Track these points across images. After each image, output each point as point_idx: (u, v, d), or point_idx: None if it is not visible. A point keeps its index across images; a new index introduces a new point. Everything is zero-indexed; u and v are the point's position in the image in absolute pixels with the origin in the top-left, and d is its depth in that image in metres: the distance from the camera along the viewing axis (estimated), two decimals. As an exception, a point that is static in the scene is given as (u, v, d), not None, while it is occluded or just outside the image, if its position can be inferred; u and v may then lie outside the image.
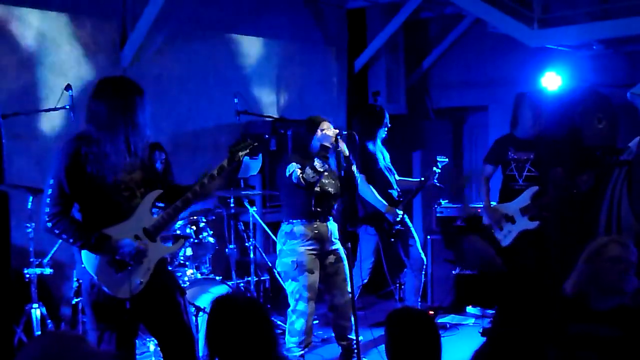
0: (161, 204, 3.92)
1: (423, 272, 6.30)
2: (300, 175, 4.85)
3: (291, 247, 5.07)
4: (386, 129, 6.16)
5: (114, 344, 3.69)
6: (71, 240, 3.63)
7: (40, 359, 2.12)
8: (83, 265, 3.67)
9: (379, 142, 6.15)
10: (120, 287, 3.68)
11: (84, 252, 3.67)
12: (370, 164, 6.03)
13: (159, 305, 3.80)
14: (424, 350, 2.81)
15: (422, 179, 6.15)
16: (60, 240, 5.43)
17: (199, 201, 4.00)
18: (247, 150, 3.93)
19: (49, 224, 3.60)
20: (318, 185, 5.02)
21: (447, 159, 6.11)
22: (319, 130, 5.05)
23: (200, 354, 5.04)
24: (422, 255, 6.26)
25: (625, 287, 3.46)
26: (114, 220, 3.68)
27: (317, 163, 4.80)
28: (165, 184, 3.96)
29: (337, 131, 4.93)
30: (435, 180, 6.09)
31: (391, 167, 6.25)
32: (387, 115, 6.18)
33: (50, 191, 3.61)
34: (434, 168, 6.00)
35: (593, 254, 3.55)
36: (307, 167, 4.81)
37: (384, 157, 6.19)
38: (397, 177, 6.26)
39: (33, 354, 2.14)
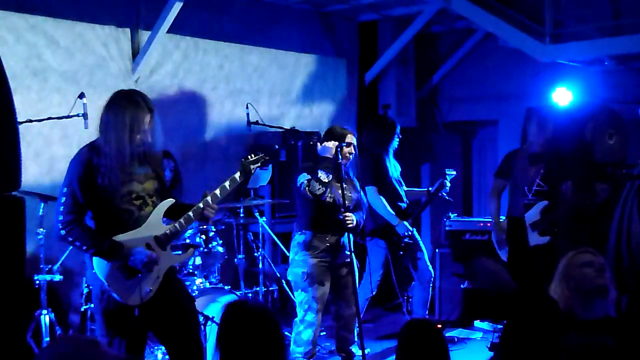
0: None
1: (430, 285, 6.29)
2: (307, 187, 4.88)
3: (302, 258, 5.08)
4: (398, 139, 6.16)
5: (124, 350, 3.71)
6: (84, 247, 3.68)
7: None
8: (94, 272, 3.71)
9: (391, 153, 6.14)
10: (130, 294, 3.72)
11: (95, 259, 3.71)
12: (382, 176, 6.02)
13: (167, 313, 3.83)
14: None
15: (430, 189, 6.17)
16: (71, 247, 5.48)
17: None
18: (259, 164, 3.99)
19: (63, 232, 3.65)
20: (329, 196, 5.03)
21: (455, 172, 6.11)
22: (330, 143, 5.04)
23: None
24: (430, 268, 6.25)
25: (605, 284, 3.61)
26: (126, 228, 3.72)
27: (322, 175, 4.84)
28: (174, 191, 3.98)
29: (337, 143, 4.96)
30: (444, 194, 6.13)
31: (400, 179, 6.25)
32: (398, 126, 6.18)
33: (63, 199, 3.67)
34: (444, 180, 6.02)
35: (566, 268, 3.70)
36: (312, 180, 4.85)
37: (395, 169, 6.19)
38: (405, 188, 6.26)
39: (50, 356, 2.16)
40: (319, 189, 4.86)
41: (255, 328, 2.55)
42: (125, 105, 3.70)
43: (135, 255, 3.67)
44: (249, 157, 4.01)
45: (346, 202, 5.04)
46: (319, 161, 5.00)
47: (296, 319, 5.16)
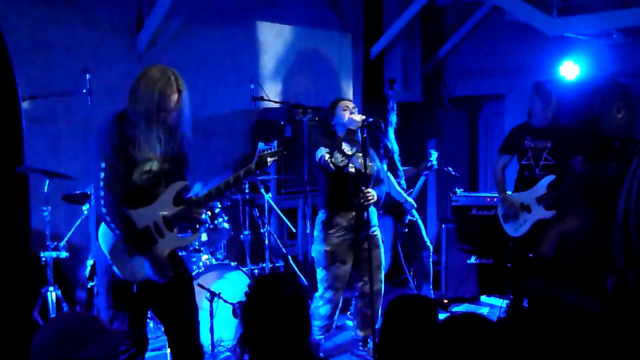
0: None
1: (430, 260, 6.38)
2: (330, 159, 4.81)
3: (326, 236, 5.05)
4: (395, 114, 6.17)
5: (127, 323, 3.72)
6: (118, 234, 3.65)
7: (56, 338, 2.14)
8: (98, 244, 3.69)
9: (390, 130, 6.14)
10: (131, 271, 3.71)
11: (101, 231, 3.69)
12: (388, 155, 6.05)
13: (165, 290, 3.81)
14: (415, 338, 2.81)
15: (420, 170, 6.31)
16: (77, 224, 5.49)
17: (219, 199, 4.01)
18: (276, 157, 3.96)
19: (104, 209, 3.59)
20: (351, 166, 4.98)
21: (437, 152, 6.40)
22: (343, 112, 5.01)
23: (216, 338, 5.07)
24: (429, 243, 6.40)
25: None
26: (137, 204, 3.69)
27: (346, 147, 4.78)
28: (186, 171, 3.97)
29: (364, 117, 4.88)
30: (451, 169, 6.25)
31: (399, 159, 6.29)
32: (392, 102, 6.20)
33: (103, 175, 3.59)
34: (429, 159, 6.34)
35: None
36: (335, 152, 4.79)
37: (394, 146, 6.20)
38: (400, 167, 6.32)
39: (49, 333, 2.16)
40: (342, 160, 4.80)
41: (284, 308, 2.54)
42: (157, 78, 3.65)
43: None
44: (266, 149, 3.95)
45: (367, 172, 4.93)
46: (344, 132, 4.96)
47: (316, 294, 5.16)
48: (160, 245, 3.75)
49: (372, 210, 5.13)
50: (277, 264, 6.73)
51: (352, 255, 5.09)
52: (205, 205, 3.98)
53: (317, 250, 5.12)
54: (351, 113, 5.00)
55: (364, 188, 4.88)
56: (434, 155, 6.37)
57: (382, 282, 5.19)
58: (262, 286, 2.64)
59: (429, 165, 6.41)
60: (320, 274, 5.11)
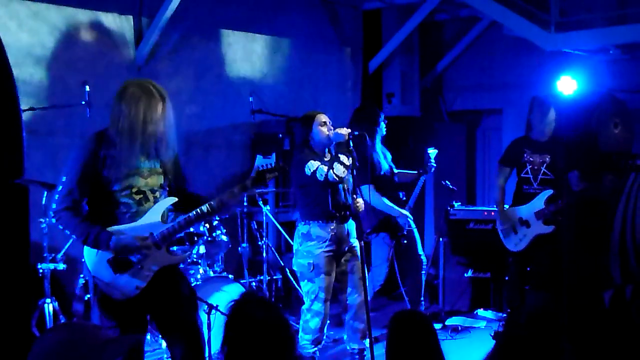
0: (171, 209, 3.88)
1: (425, 272, 6.35)
2: (332, 172, 4.84)
3: (307, 249, 5.05)
4: (384, 125, 6.16)
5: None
6: (73, 236, 3.64)
7: (55, 349, 2.13)
8: (83, 260, 3.66)
9: (378, 141, 6.13)
10: (116, 289, 3.64)
11: (85, 249, 3.65)
12: (374, 171, 6.00)
13: (165, 301, 3.76)
14: (421, 354, 2.82)
15: (420, 171, 6.20)
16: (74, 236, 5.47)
17: (213, 216, 3.92)
18: (275, 174, 3.85)
19: (54, 219, 3.61)
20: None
21: (436, 150, 6.19)
22: (320, 128, 5.04)
23: (213, 351, 5.06)
24: (423, 256, 6.32)
25: None
26: (122, 221, 3.65)
27: (344, 158, 4.84)
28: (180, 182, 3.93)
29: (349, 130, 4.94)
30: (448, 183, 6.21)
31: (391, 164, 6.24)
32: (381, 114, 6.20)
33: (60, 187, 3.61)
34: (429, 163, 6.15)
35: None
36: (336, 163, 4.83)
37: (385, 157, 6.17)
38: (396, 170, 6.26)
39: (49, 343, 2.15)
40: (343, 171, 4.87)
41: (263, 331, 2.53)
42: (139, 94, 3.61)
43: (124, 247, 3.59)
44: (265, 165, 3.82)
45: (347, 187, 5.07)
46: (322, 144, 5.02)
47: (304, 307, 5.15)
48: (146, 263, 3.67)
49: (351, 224, 5.16)
50: (275, 277, 6.73)
51: (335, 266, 5.11)
52: (200, 222, 3.92)
53: (300, 263, 5.10)
54: (329, 129, 5.04)
55: (356, 197, 5.00)
56: (433, 154, 6.19)
57: (365, 294, 5.17)
58: (237, 312, 2.64)
59: (428, 165, 6.26)
60: (305, 287, 5.10)
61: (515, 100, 7.98)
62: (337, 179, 4.87)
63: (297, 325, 5.29)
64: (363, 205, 5.06)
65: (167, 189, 3.82)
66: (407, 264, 6.28)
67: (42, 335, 2.25)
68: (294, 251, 5.17)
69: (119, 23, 6.48)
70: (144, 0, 6.61)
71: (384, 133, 6.18)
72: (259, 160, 3.86)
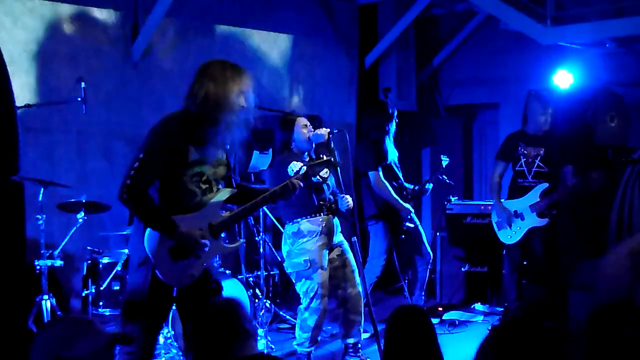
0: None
1: (429, 267, 6.36)
2: (314, 172, 4.88)
3: (301, 247, 5.06)
4: (395, 124, 6.19)
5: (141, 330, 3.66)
6: (142, 217, 3.58)
7: (53, 343, 2.15)
8: (143, 245, 3.60)
9: (390, 137, 6.17)
10: (173, 275, 3.64)
11: (147, 232, 3.60)
12: (383, 159, 6.06)
13: (195, 292, 3.74)
14: (418, 349, 2.84)
15: (424, 185, 6.36)
16: (71, 233, 5.47)
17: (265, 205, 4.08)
18: (326, 167, 4.01)
19: (125, 196, 3.50)
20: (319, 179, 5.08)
21: (448, 159, 6.30)
22: (302, 130, 5.09)
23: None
24: (429, 250, 6.35)
25: None
26: (186, 209, 3.63)
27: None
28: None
29: (329, 130, 4.99)
30: (445, 177, 6.26)
31: (398, 164, 6.29)
32: (395, 111, 6.22)
33: (137, 164, 3.52)
34: (440, 174, 6.33)
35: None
36: (315, 165, 4.86)
37: (393, 153, 6.21)
38: (406, 185, 6.34)
39: (46, 338, 2.17)
40: (326, 172, 4.93)
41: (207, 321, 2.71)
42: (236, 79, 3.61)
43: (190, 239, 3.60)
44: (314, 159, 4.01)
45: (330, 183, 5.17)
46: (304, 148, 5.09)
47: (301, 307, 5.15)
48: (203, 253, 3.69)
49: (336, 219, 5.19)
50: (272, 272, 6.73)
51: (328, 261, 5.13)
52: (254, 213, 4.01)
53: (294, 263, 5.10)
54: (309, 131, 5.06)
55: (344, 195, 5.09)
56: (445, 161, 6.29)
57: (359, 285, 5.21)
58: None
59: (435, 175, 6.40)
60: (303, 286, 5.09)
61: (511, 94, 7.97)
62: (322, 179, 4.93)
63: (294, 321, 5.31)
64: (352, 203, 5.10)
65: (227, 180, 3.86)
66: (407, 259, 6.29)
67: (39, 331, 2.27)
68: (286, 253, 5.16)
69: (114, 19, 6.46)
70: (140, -4, 6.59)
71: (395, 131, 6.21)
72: (293, 168, 4.04)
